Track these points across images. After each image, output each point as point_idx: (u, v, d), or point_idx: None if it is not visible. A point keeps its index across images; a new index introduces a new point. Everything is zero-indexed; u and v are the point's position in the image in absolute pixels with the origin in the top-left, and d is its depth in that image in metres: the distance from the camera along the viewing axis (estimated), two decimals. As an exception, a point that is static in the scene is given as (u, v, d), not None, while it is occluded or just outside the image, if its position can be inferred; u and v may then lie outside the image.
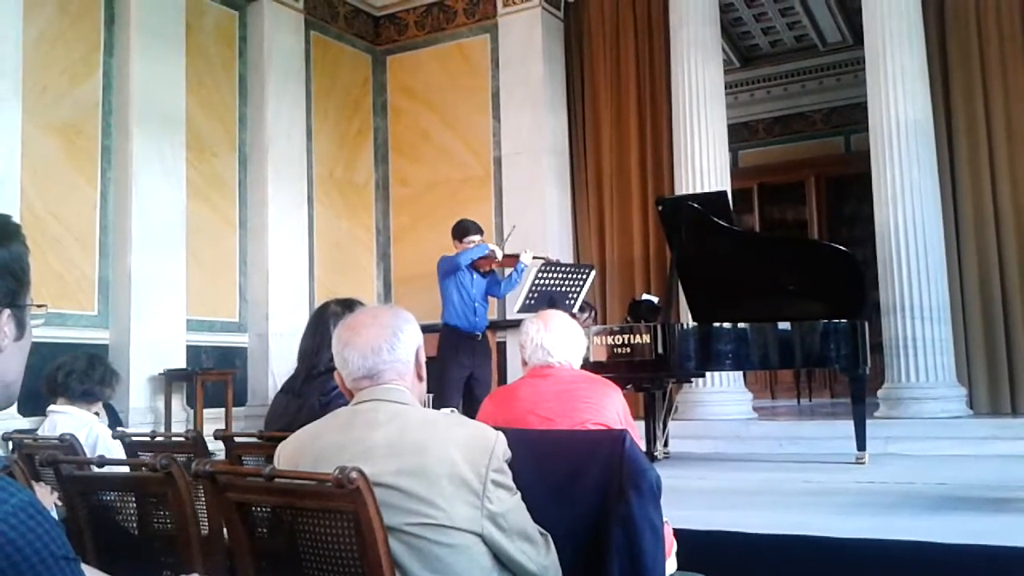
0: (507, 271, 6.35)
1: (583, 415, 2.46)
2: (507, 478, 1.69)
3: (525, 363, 2.68)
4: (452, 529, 1.60)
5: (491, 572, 1.65)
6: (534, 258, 6.24)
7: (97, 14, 7.06)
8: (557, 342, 2.63)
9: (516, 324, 8.03)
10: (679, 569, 2.40)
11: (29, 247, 1.17)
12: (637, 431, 2.41)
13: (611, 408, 2.51)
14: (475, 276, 6.23)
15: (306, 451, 1.74)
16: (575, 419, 2.44)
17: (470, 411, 5.06)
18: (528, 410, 2.49)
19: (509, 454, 1.70)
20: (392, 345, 1.81)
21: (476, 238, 6.27)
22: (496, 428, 1.75)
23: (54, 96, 6.72)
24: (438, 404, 5.64)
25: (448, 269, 6.20)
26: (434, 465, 1.62)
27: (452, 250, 6.45)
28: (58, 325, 6.41)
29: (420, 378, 1.86)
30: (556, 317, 2.71)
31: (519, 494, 1.72)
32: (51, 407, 3.57)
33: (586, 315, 6.76)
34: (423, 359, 1.88)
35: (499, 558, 1.67)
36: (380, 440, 1.67)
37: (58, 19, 6.79)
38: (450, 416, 1.82)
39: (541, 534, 1.77)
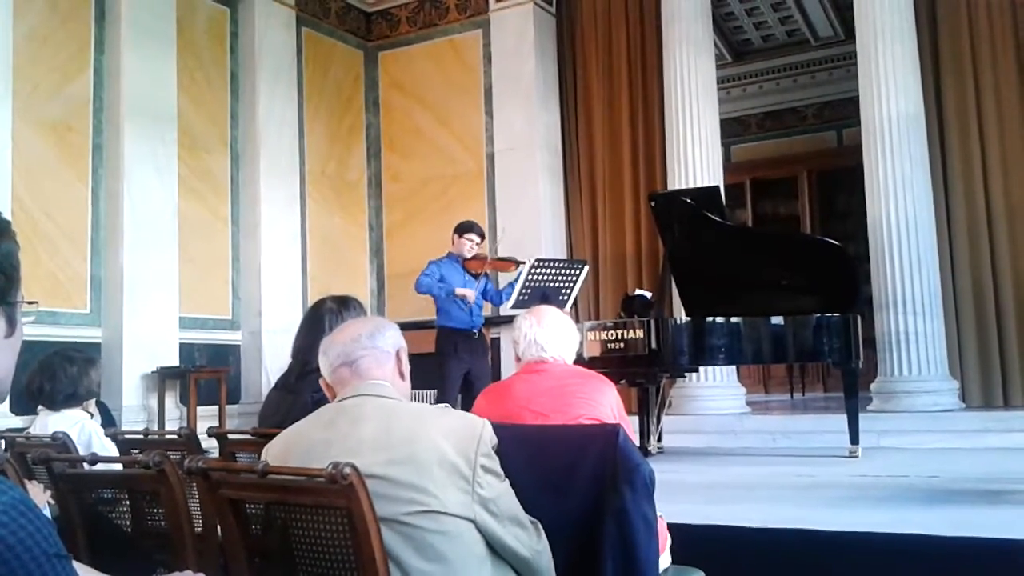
0: (506, 275, 6.36)
1: (577, 410, 2.45)
2: (495, 464, 1.70)
3: (519, 359, 2.67)
4: (445, 515, 1.60)
5: (485, 560, 1.66)
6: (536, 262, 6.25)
7: (88, 11, 7.03)
8: (550, 337, 2.62)
9: (509, 320, 7.99)
10: (673, 563, 2.40)
11: (19, 244, 1.16)
12: (631, 426, 2.41)
13: (605, 403, 2.51)
14: (467, 278, 6.25)
15: (293, 450, 1.74)
16: (569, 414, 2.44)
17: (469, 408, 5.06)
18: (522, 406, 2.49)
19: (496, 441, 1.72)
20: (372, 335, 1.84)
21: (476, 238, 6.29)
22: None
23: (45, 93, 6.69)
24: (439, 401, 5.66)
25: (425, 288, 6.16)
26: (424, 453, 1.63)
27: (446, 246, 6.44)
28: (50, 323, 6.39)
29: (403, 376, 1.87)
30: (549, 312, 2.70)
31: (508, 481, 1.73)
32: (41, 407, 3.54)
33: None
34: (405, 359, 1.89)
35: (492, 545, 1.68)
36: (368, 434, 1.67)
37: (48, 16, 6.76)
38: (436, 407, 1.83)
39: (531, 521, 1.78)
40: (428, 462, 1.62)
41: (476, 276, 6.24)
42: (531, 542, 1.74)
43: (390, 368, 1.84)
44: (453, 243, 6.32)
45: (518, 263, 6.26)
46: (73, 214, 6.82)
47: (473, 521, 1.64)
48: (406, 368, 1.88)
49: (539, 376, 2.57)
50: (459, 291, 6.10)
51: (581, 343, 5.63)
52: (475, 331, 6.23)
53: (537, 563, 1.75)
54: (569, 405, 2.47)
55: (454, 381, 6.03)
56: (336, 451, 1.63)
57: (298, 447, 1.74)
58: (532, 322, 2.64)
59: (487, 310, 6.69)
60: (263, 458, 1.78)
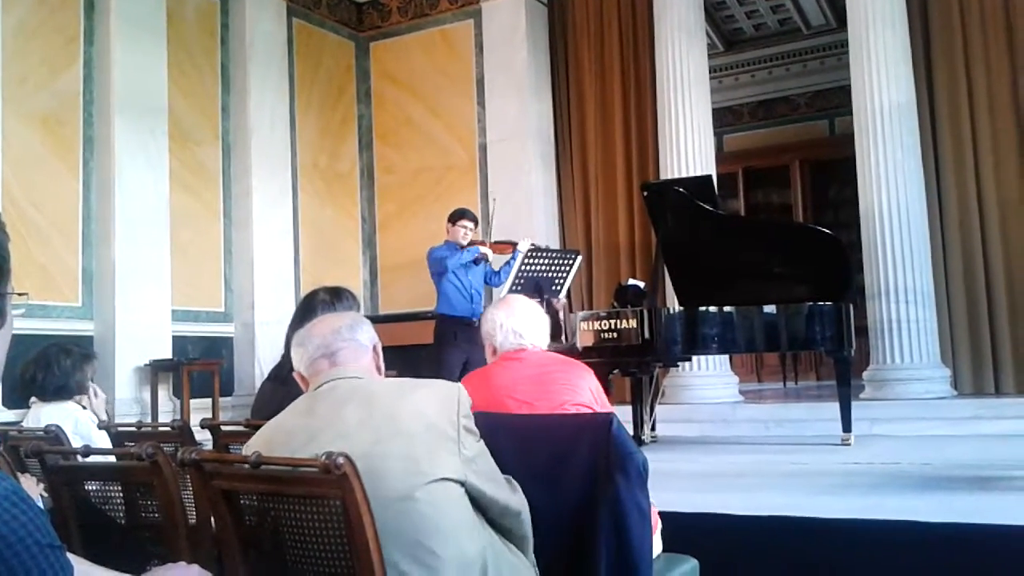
0: (505, 258, 6.39)
1: (561, 397, 2.48)
2: (472, 424, 1.73)
3: (495, 350, 2.69)
4: (439, 481, 1.62)
5: (475, 525, 1.68)
6: (531, 245, 6.28)
7: (76, 3, 6.99)
8: (526, 324, 2.66)
9: (503, 311, 8.03)
10: (666, 550, 2.41)
11: (10, 235, 1.16)
12: (611, 410, 2.43)
13: (586, 389, 2.55)
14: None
15: (275, 443, 1.73)
16: (553, 401, 2.47)
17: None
18: (505, 394, 2.50)
19: (471, 402, 1.75)
20: (351, 327, 1.87)
21: (469, 224, 6.32)
22: (476, 412, 1.78)
23: (34, 86, 6.65)
24: None
25: (437, 271, 6.24)
26: (409, 424, 1.65)
27: (439, 237, 6.45)
28: (42, 317, 6.37)
29: (379, 370, 1.89)
30: (518, 300, 2.75)
31: (482, 439, 1.75)
32: (34, 399, 3.54)
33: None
34: (381, 353, 1.91)
35: (480, 506, 1.70)
36: (350, 417, 1.68)
37: (37, 8, 6.72)
38: (407, 380, 1.84)
39: (506, 478, 1.81)
40: (415, 431, 1.64)
41: (476, 262, 6.29)
42: (512, 496, 1.78)
43: (367, 361, 1.86)
44: (448, 232, 6.35)
45: (514, 244, 6.30)
46: (64, 207, 6.80)
47: (463, 483, 1.66)
48: (382, 363, 1.91)
49: (519, 364, 2.60)
50: (483, 249, 6.23)
51: (575, 333, 5.69)
52: (475, 320, 6.24)
53: (525, 514, 1.80)
54: (552, 392, 2.50)
55: (453, 369, 6.02)
56: (321, 438, 1.63)
57: (279, 439, 1.74)
58: (505, 312, 2.67)
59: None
60: (245, 452, 1.77)
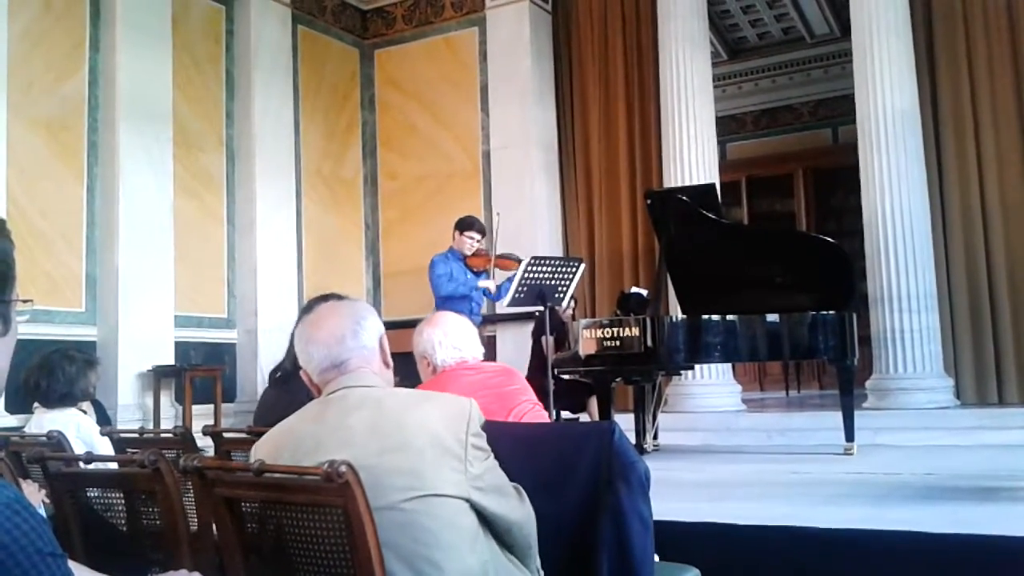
0: (508, 273, 6.36)
1: (517, 399, 2.60)
2: (483, 441, 1.71)
3: (434, 368, 2.70)
4: (440, 497, 1.61)
5: (477, 538, 1.66)
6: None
7: (82, 10, 7.02)
8: (462, 338, 2.72)
9: (506, 318, 8.04)
10: (664, 559, 2.40)
11: (14, 242, 1.16)
12: None
13: (528, 387, 2.69)
14: (469, 275, 6.26)
15: (283, 448, 1.73)
16: (508, 405, 2.53)
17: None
18: None
19: (483, 419, 1.73)
20: (355, 332, 1.83)
21: (477, 235, 6.28)
22: None
23: (40, 92, 6.68)
24: None
25: (447, 291, 6.17)
26: (415, 437, 1.63)
27: (442, 243, 6.43)
28: (45, 322, 6.38)
29: (387, 365, 1.88)
30: (447, 316, 2.80)
31: (492, 454, 1.74)
32: (37, 404, 3.54)
33: (570, 306, 6.80)
34: (387, 347, 1.89)
35: (484, 518, 1.68)
36: (357, 425, 1.67)
37: (43, 15, 6.75)
38: (419, 391, 1.83)
39: (514, 487, 1.79)
40: (421, 446, 1.62)
41: (477, 273, 6.26)
42: (518, 506, 1.76)
43: (376, 363, 1.84)
44: (454, 239, 6.30)
45: (518, 261, 6.26)
46: (68, 213, 6.81)
47: (468, 500, 1.64)
48: (389, 356, 1.89)
49: (465, 376, 2.66)
50: (482, 283, 6.17)
51: (577, 341, 5.68)
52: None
53: (529, 526, 1.77)
54: (507, 396, 2.60)
55: None
56: (328, 445, 1.63)
57: (287, 444, 1.73)
58: (441, 330, 2.72)
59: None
60: (252, 456, 1.76)
